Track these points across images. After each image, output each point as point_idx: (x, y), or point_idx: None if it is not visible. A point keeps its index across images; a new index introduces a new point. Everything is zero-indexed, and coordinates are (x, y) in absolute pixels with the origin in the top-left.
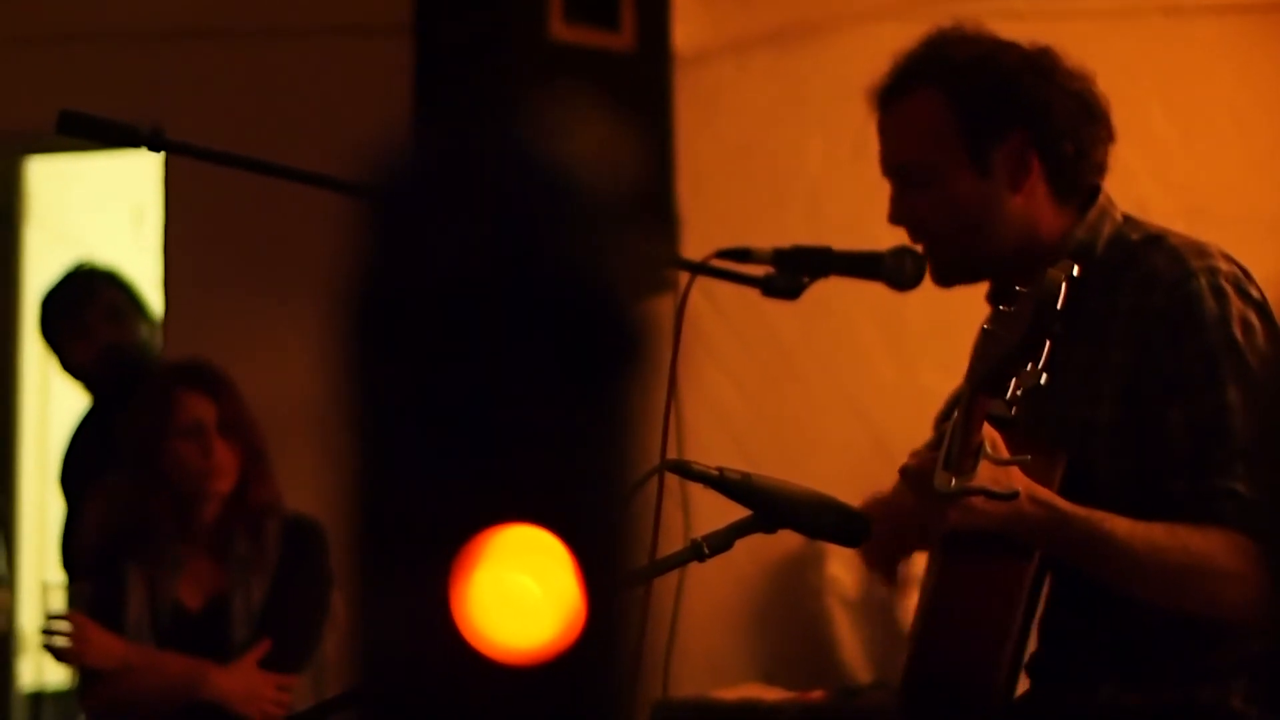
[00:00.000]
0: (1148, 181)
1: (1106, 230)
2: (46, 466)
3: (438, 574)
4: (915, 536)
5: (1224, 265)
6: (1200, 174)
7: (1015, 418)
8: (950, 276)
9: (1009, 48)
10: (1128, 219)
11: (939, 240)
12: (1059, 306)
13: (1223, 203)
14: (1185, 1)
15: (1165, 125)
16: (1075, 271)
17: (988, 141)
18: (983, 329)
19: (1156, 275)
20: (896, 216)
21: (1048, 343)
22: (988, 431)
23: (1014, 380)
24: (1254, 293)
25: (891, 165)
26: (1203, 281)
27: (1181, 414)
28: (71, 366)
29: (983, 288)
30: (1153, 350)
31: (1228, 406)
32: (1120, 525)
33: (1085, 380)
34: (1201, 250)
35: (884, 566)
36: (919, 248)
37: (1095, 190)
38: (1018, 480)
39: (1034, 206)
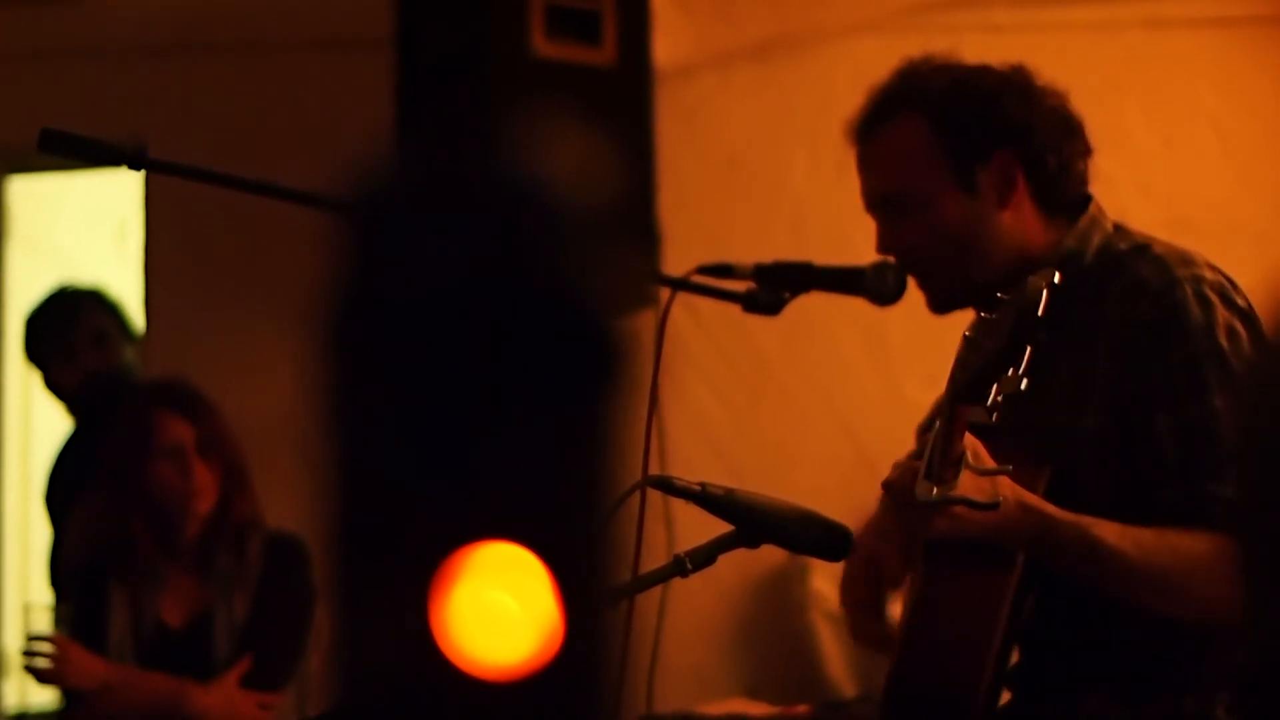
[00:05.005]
0: (1130, 193)
1: (1096, 240)
2: (29, 487)
3: (417, 590)
4: (900, 565)
5: (1209, 274)
6: (1182, 185)
7: (998, 426)
8: (946, 303)
9: (984, 70)
10: (1118, 228)
11: (932, 267)
12: (1040, 313)
13: (1205, 213)
14: (1166, 14)
15: (1147, 136)
16: (1056, 278)
17: (973, 162)
18: (965, 336)
19: (1143, 284)
20: (885, 247)
21: (1029, 349)
22: (970, 441)
23: (995, 386)
24: (1239, 301)
25: (876, 196)
26: (1188, 290)
27: (1169, 422)
28: (55, 387)
29: None
30: (1139, 359)
31: (1214, 414)
32: (1109, 530)
33: (1072, 389)
34: (1187, 259)
35: (863, 617)
36: (911, 277)
37: (1085, 200)
38: (1006, 488)
39: (1022, 222)
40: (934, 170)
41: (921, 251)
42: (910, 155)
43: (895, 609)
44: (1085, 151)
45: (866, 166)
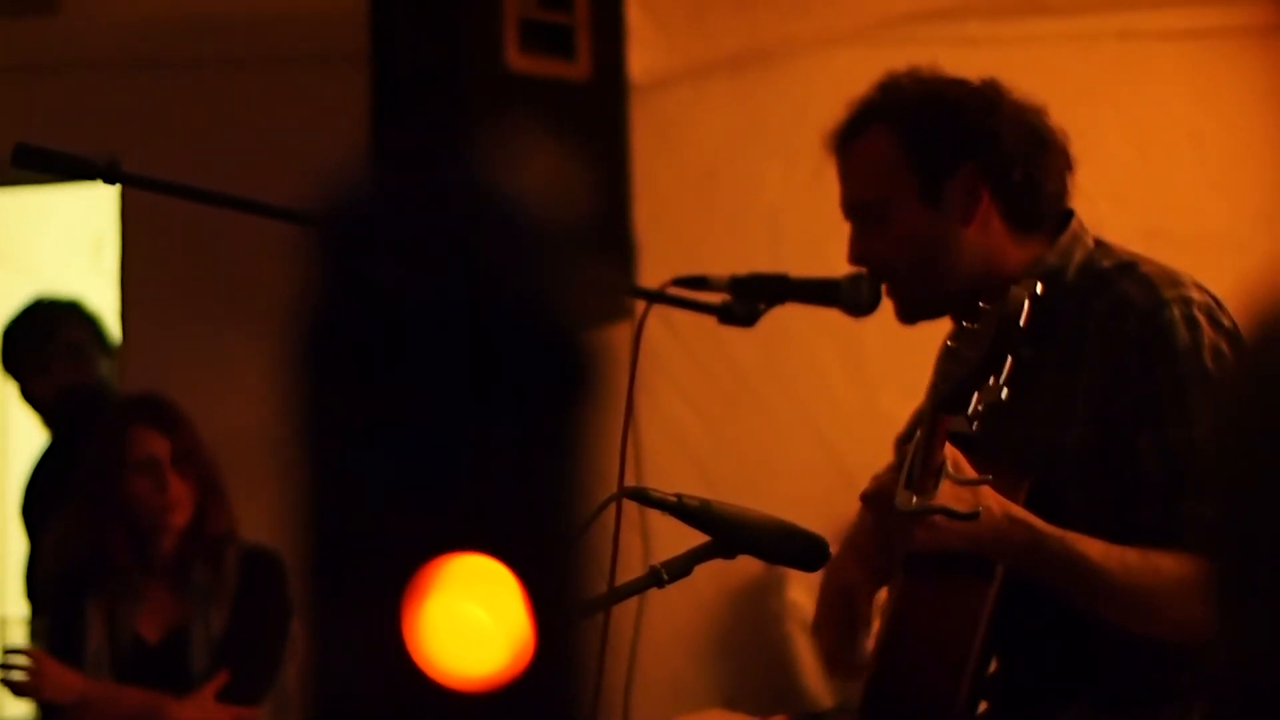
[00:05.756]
0: (1105, 203)
1: (1078, 256)
2: (5, 499)
3: (390, 602)
4: (870, 590)
5: (1197, 295)
6: (1157, 195)
7: (980, 438)
8: (913, 313)
9: (956, 83)
10: (1100, 245)
11: (898, 277)
12: (1022, 323)
13: (1180, 223)
14: (1140, 26)
15: (1122, 147)
16: (1039, 289)
17: (937, 174)
18: (946, 346)
19: (1129, 302)
20: (856, 256)
21: (1010, 359)
22: (950, 451)
23: (976, 396)
24: (1225, 321)
25: (849, 205)
26: (1176, 311)
27: (1151, 441)
28: (31, 399)
29: None
30: (1124, 377)
31: (1198, 435)
32: (1094, 547)
33: (1055, 404)
34: (1174, 279)
35: (839, 654)
36: (882, 287)
37: (1066, 217)
38: (992, 499)
39: (989, 238)
40: (899, 181)
41: (886, 261)
42: (877, 166)
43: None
44: (1063, 166)
45: (842, 177)
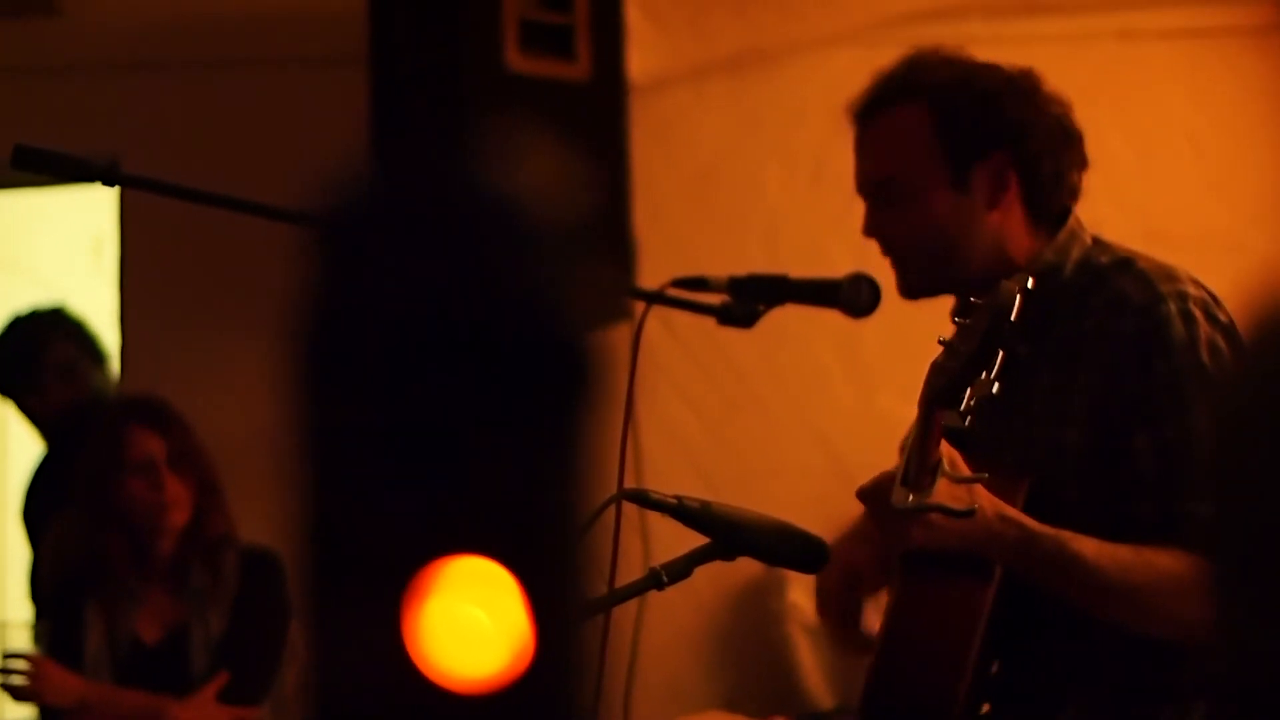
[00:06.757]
0: (1104, 203)
1: (1075, 253)
2: (4, 505)
3: (389, 604)
4: (877, 574)
5: (1193, 290)
6: (1156, 195)
7: (979, 437)
8: (916, 290)
9: (991, 68)
10: (1097, 242)
11: (910, 256)
12: (1013, 318)
13: (1179, 224)
14: (1139, 26)
15: (1121, 148)
16: (1030, 284)
17: (969, 160)
18: (940, 342)
19: (1126, 299)
20: (870, 230)
21: (1001, 353)
22: (946, 449)
23: (968, 391)
24: (1222, 317)
25: (869, 181)
26: (1172, 307)
27: (1149, 439)
28: (27, 414)
29: (943, 312)
30: (1121, 374)
31: (1194, 431)
32: (1088, 545)
33: (1052, 402)
34: (1171, 275)
35: (841, 626)
36: (888, 260)
37: (1066, 213)
38: (985, 499)
39: (1008, 225)
40: (928, 164)
41: (904, 242)
42: (906, 145)
43: (873, 621)
44: (1081, 162)
45: (862, 150)
